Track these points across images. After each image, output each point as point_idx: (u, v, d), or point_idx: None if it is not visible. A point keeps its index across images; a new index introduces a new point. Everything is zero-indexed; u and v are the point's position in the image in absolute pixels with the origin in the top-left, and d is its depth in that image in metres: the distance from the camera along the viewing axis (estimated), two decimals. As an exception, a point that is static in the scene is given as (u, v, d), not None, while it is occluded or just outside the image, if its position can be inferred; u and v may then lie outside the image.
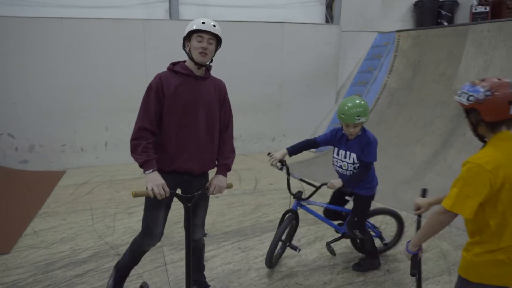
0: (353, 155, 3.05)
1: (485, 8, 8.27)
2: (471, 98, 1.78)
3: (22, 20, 6.20)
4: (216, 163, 2.67)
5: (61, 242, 3.91)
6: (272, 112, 8.14)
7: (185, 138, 2.48)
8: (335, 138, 3.17)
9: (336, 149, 3.17)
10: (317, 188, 3.16)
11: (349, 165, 3.08)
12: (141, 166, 2.37)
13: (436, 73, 6.88)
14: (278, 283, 3.19)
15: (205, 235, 2.84)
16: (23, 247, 3.79)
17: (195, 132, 2.51)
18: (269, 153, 3.19)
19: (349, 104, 2.93)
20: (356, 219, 3.17)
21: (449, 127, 6.01)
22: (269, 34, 7.79)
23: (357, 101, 2.95)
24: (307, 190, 3.36)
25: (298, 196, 3.25)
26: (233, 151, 2.71)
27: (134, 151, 2.40)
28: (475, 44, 6.44)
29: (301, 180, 3.25)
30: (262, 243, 3.87)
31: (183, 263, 3.48)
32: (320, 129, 8.29)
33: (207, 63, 2.54)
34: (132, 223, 4.34)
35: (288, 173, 3.24)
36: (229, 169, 2.66)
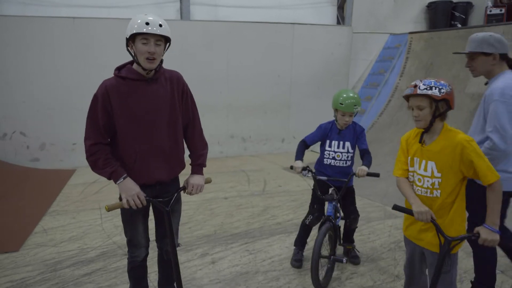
0: (347, 144, 3.22)
1: (501, 10, 8.11)
2: (442, 91, 2.05)
3: (34, 20, 6.26)
4: (191, 161, 2.50)
5: (69, 241, 3.93)
6: (282, 113, 8.10)
7: (148, 148, 2.26)
8: (325, 132, 3.26)
9: (327, 141, 3.25)
10: (347, 183, 3.12)
11: (343, 154, 3.22)
12: (109, 178, 2.23)
13: (449, 75, 6.77)
14: (285, 286, 3.15)
15: (178, 244, 2.55)
16: (32, 245, 3.82)
17: (157, 139, 2.28)
18: (291, 167, 3.15)
19: (346, 95, 3.12)
20: (353, 206, 3.40)
21: (462, 130, 5.87)
22: (279, 34, 7.75)
23: (351, 93, 3.16)
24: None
25: (331, 197, 3.11)
26: (205, 145, 2.53)
27: (94, 167, 2.22)
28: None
29: (328, 180, 3.21)
30: (270, 246, 3.84)
31: (191, 264, 3.47)
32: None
33: (156, 67, 2.20)
34: (140, 223, 4.35)
35: (315, 177, 3.18)
36: (204, 166, 2.51)
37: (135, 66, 2.24)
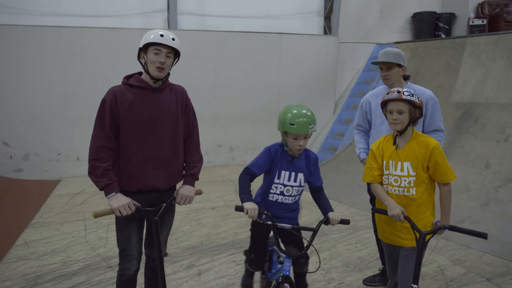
0: (301, 176, 2.47)
1: (482, 21, 8.31)
2: (419, 99, 2.31)
3: (19, 29, 6.20)
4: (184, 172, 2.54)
5: (52, 254, 3.83)
6: (270, 122, 8.09)
7: (148, 155, 2.34)
8: (274, 159, 2.46)
9: (276, 171, 2.46)
10: (316, 231, 2.32)
11: (294, 189, 2.48)
12: (101, 189, 2.23)
13: (434, 85, 6.87)
14: (273, 298, 3.11)
15: (166, 254, 2.53)
16: (13, 258, 3.72)
17: (158, 147, 2.37)
18: (237, 209, 2.27)
19: (296, 111, 2.36)
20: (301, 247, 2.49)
21: (447, 139, 5.97)
22: (267, 44, 7.80)
23: (304, 109, 2.39)
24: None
25: (293, 253, 2.29)
26: (200, 159, 2.57)
27: (92, 172, 2.22)
28: (472, 57, 6.45)
29: (292, 229, 2.34)
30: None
31: (176, 276, 3.41)
32: (318, 140, 8.26)
33: (163, 78, 2.34)
34: (125, 235, 4.27)
35: (275, 225, 2.30)
36: (196, 179, 2.53)
37: (143, 76, 2.36)
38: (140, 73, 2.40)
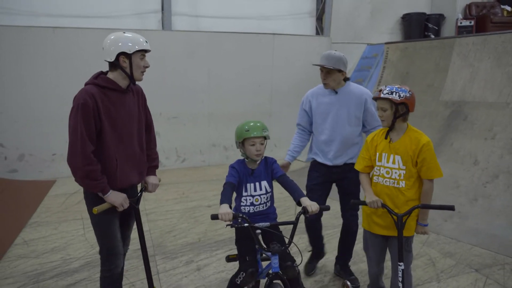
0: (264, 183, 2.61)
1: (470, 22, 8.51)
2: (402, 95, 2.40)
3: (13, 29, 6.20)
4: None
5: (52, 252, 3.88)
6: (263, 122, 8.20)
7: (123, 154, 2.43)
8: (240, 173, 2.58)
9: (242, 186, 2.59)
10: (296, 224, 2.38)
11: (262, 197, 2.60)
12: (100, 190, 2.31)
13: (424, 84, 7.03)
14: (271, 291, 3.21)
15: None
16: (13, 257, 3.76)
17: (131, 146, 2.49)
18: (212, 217, 2.27)
19: (249, 121, 2.57)
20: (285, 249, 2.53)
21: (437, 137, 6.14)
22: (260, 45, 7.89)
23: (255, 121, 2.58)
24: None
25: (279, 249, 2.31)
26: (156, 150, 2.81)
27: (89, 177, 2.25)
28: (460, 57, 6.62)
29: (269, 227, 2.40)
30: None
31: (176, 271, 3.49)
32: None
33: None
34: (124, 232, 4.33)
35: (253, 226, 2.35)
36: (158, 168, 2.81)
37: (112, 76, 2.39)
38: (101, 73, 2.42)
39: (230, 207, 2.30)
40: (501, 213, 4.49)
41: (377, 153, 2.60)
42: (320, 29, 8.75)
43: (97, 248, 3.91)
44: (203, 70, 7.45)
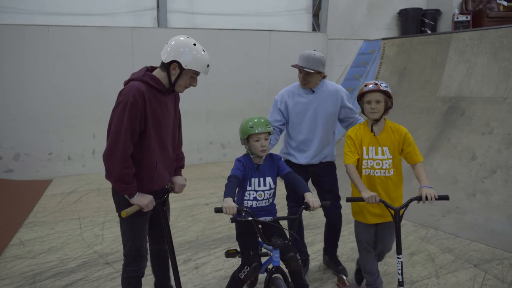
0: (269, 180, 2.63)
1: (467, 17, 8.49)
2: (391, 91, 2.63)
3: (6, 27, 6.13)
4: None
5: (48, 252, 3.85)
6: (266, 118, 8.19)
7: (161, 156, 2.40)
8: (246, 168, 2.59)
9: (247, 180, 2.61)
10: (298, 219, 2.44)
11: (265, 192, 2.63)
12: (129, 193, 2.26)
13: (421, 79, 7.03)
14: (270, 289, 3.19)
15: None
16: (9, 257, 3.73)
17: (167, 148, 2.45)
18: (216, 210, 2.29)
19: (253, 117, 2.59)
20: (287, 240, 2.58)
21: (435, 132, 6.13)
22: (256, 42, 7.85)
23: (259, 117, 2.61)
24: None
25: (281, 243, 2.33)
26: (181, 148, 2.76)
27: (122, 180, 2.19)
28: (457, 52, 6.61)
29: (272, 221, 2.43)
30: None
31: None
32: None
33: None
34: (121, 232, 4.30)
35: (256, 220, 2.35)
36: (184, 168, 2.78)
37: (160, 76, 2.30)
38: (147, 69, 2.35)
39: (234, 201, 2.31)
40: (499, 208, 4.49)
41: (364, 147, 2.71)
42: (316, 25, 8.72)
43: (94, 248, 3.92)
44: (199, 67, 7.40)
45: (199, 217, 4.79)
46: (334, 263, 3.40)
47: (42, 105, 6.44)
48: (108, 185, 2.38)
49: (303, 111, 3.13)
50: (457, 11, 8.76)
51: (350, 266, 3.50)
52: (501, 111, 5.45)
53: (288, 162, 3.22)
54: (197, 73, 2.32)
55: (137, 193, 2.29)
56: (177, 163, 2.67)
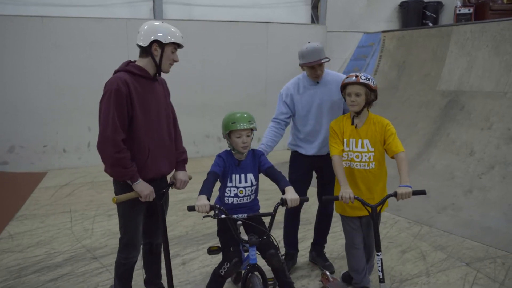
0: (250, 176, 2.56)
1: (469, 10, 8.33)
2: (375, 83, 2.59)
3: (1, 18, 6.07)
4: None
5: (37, 246, 3.82)
6: (258, 112, 7.94)
7: (154, 143, 2.42)
8: (226, 164, 2.54)
9: (227, 177, 2.54)
10: (273, 215, 2.40)
11: (246, 189, 2.56)
12: (129, 178, 2.29)
13: (421, 73, 6.91)
14: (256, 286, 3.14)
15: None
16: (-4, 251, 3.71)
17: (161, 135, 2.47)
18: (189, 209, 2.25)
19: (236, 112, 2.51)
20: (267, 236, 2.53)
21: (433, 127, 6.04)
22: (254, 34, 7.75)
23: (242, 112, 2.52)
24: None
25: (253, 240, 2.32)
26: (182, 143, 2.75)
27: (119, 164, 2.24)
28: (458, 45, 6.47)
29: (247, 218, 2.41)
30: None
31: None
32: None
33: None
34: (111, 226, 4.27)
35: (230, 218, 2.33)
36: (186, 163, 2.74)
37: (142, 63, 2.38)
38: (130, 61, 2.41)
39: (209, 199, 2.28)
40: (496, 205, 4.41)
41: (345, 139, 2.68)
42: (315, 17, 8.59)
43: (83, 242, 3.89)
44: (196, 60, 7.32)
45: (191, 212, 4.70)
46: (321, 258, 3.39)
47: (36, 97, 6.40)
48: (102, 178, 2.38)
49: (309, 102, 3.12)
50: (459, 3, 8.59)
51: (340, 264, 3.45)
52: (501, 106, 5.34)
53: (296, 153, 3.26)
54: (175, 47, 2.39)
55: (140, 180, 2.32)
56: (178, 158, 2.66)
